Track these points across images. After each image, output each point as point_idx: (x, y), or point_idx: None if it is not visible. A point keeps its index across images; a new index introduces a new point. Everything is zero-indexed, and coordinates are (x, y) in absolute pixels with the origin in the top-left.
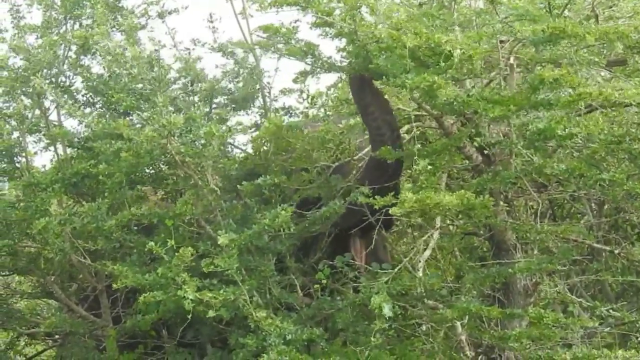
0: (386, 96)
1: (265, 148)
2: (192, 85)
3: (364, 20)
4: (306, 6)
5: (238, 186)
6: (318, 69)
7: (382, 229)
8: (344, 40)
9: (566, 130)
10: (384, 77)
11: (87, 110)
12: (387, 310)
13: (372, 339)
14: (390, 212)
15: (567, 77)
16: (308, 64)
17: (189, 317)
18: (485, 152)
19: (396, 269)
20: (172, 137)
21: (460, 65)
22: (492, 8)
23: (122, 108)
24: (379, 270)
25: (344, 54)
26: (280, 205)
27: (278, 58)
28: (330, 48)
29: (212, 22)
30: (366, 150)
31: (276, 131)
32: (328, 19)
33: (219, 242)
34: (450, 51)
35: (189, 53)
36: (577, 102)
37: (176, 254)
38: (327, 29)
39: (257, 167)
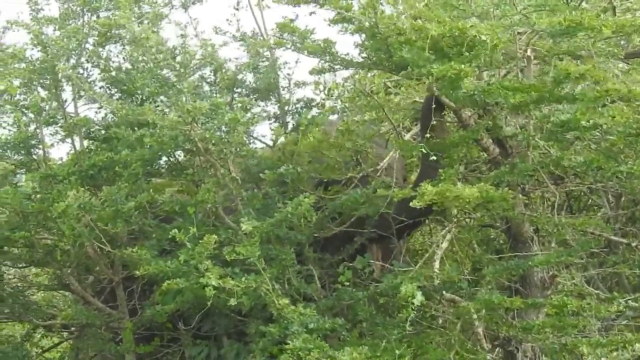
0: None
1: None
2: (215, 74)
3: (384, 13)
4: (324, 3)
5: (260, 175)
6: (337, 66)
7: (400, 237)
8: (362, 35)
9: (590, 121)
10: (407, 68)
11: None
12: (419, 297)
13: (407, 326)
14: (410, 204)
15: (592, 71)
16: (326, 62)
17: (209, 304)
18: (503, 144)
19: (418, 265)
20: (196, 124)
21: (483, 55)
22: None
23: (144, 95)
24: (398, 269)
25: (363, 48)
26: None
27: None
28: (348, 42)
29: (237, 9)
30: (386, 160)
31: (316, 145)
32: (347, 14)
33: (242, 229)
34: (476, 36)
35: (208, 43)
36: (603, 97)
37: (200, 241)
38: (346, 24)
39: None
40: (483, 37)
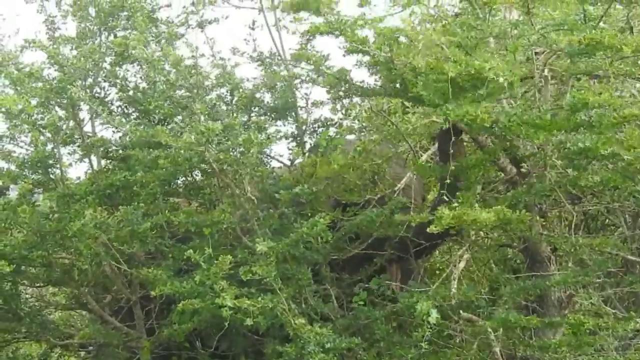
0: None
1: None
2: (231, 94)
3: (400, 48)
4: (339, 35)
5: (276, 195)
6: (352, 94)
7: (419, 257)
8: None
9: (609, 149)
10: (423, 104)
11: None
12: (434, 315)
13: (423, 345)
14: (427, 229)
15: (610, 100)
16: (341, 91)
17: (226, 325)
18: (520, 164)
19: (435, 285)
20: (210, 145)
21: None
22: (527, 19)
23: (159, 116)
24: (415, 289)
25: (378, 77)
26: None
27: (312, 83)
28: (363, 69)
29: (253, 29)
30: (404, 180)
31: (336, 169)
32: (362, 47)
33: (257, 250)
34: (494, 79)
35: (225, 62)
36: (621, 124)
37: (215, 261)
38: (362, 56)
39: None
40: (500, 80)
